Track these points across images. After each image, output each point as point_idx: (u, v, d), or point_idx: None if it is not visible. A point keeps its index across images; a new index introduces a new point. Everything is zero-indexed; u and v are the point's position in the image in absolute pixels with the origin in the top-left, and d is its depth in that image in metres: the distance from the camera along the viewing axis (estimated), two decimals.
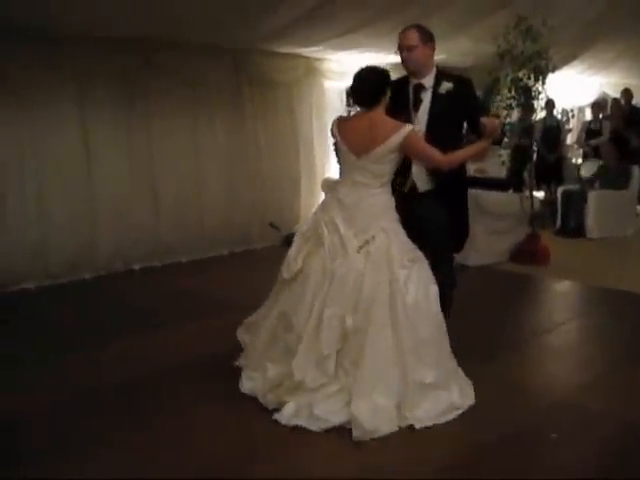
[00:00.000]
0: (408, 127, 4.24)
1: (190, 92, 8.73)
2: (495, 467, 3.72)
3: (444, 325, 4.37)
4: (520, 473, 3.66)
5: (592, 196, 10.51)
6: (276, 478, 3.61)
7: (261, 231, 9.67)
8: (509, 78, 8.66)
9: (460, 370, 4.50)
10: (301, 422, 4.01)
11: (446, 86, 4.70)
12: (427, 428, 4.06)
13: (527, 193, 9.30)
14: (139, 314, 6.49)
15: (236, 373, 4.69)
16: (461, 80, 4.88)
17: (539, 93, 8.63)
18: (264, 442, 3.98)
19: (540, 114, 10.35)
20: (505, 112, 8.95)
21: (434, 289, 4.30)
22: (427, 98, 4.79)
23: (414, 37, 4.71)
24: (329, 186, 4.59)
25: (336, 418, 4.00)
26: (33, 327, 6.17)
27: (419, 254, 4.34)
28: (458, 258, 5.30)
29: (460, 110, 4.75)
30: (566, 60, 11.04)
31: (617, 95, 13.66)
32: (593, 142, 11.56)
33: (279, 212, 9.90)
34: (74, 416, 4.32)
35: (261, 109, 9.56)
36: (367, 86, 4.34)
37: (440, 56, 10.38)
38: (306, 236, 4.39)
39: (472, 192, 8.57)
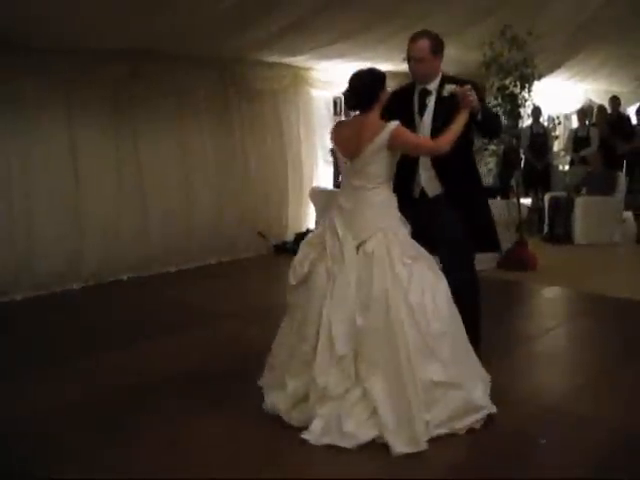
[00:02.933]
0: (393, 124, 4.20)
1: (177, 103, 8.73)
2: (483, 472, 3.73)
3: (459, 321, 4.28)
4: (507, 477, 3.66)
5: (579, 202, 10.57)
6: None
7: (249, 241, 9.66)
8: (495, 86, 8.72)
9: (482, 368, 4.44)
10: (331, 440, 3.94)
11: (449, 88, 4.63)
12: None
13: (514, 200, 9.33)
14: (128, 325, 6.46)
15: (240, 385, 4.72)
16: (466, 82, 4.73)
17: (525, 101, 8.68)
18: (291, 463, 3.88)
19: (527, 121, 10.42)
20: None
21: (442, 284, 4.23)
22: (431, 102, 4.80)
23: (425, 49, 4.71)
24: (332, 196, 4.60)
25: (365, 434, 3.93)
26: (18, 339, 6.14)
27: (422, 251, 4.29)
28: None
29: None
30: (552, 68, 11.10)
31: (602, 102, 13.74)
32: (583, 153, 11.56)
33: (267, 221, 9.91)
34: (65, 429, 4.29)
35: (248, 118, 9.57)
36: (360, 90, 4.30)
37: None
38: (312, 243, 4.37)
39: None
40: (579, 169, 11.52)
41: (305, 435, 3.99)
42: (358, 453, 3.86)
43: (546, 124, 12.53)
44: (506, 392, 4.74)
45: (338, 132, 4.47)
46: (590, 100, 14.85)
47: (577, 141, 11.87)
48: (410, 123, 4.64)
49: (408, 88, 4.97)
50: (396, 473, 3.71)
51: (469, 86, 4.50)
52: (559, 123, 13.21)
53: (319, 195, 10.02)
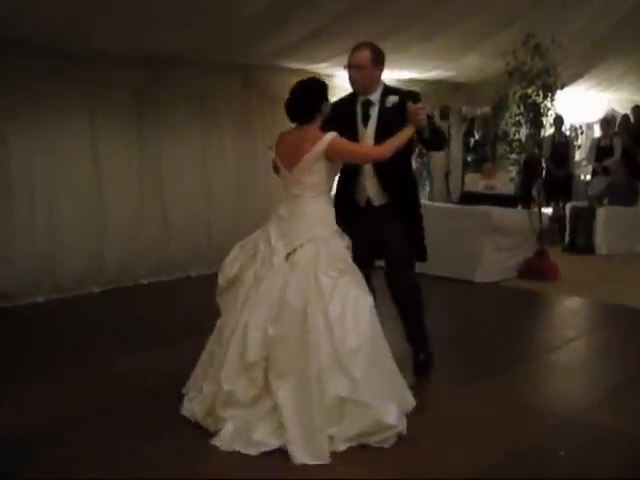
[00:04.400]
0: (330, 134, 4.20)
1: (199, 108, 8.76)
2: None
3: (381, 339, 4.20)
4: None
5: (601, 212, 10.51)
6: None
7: None
8: (518, 95, 8.70)
9: (406, 389, 4.37)
10: (240, 447, 3.90)
11: (392, 100, 4.69)
12: (413, 444, 4.01)
13: (536, 209, 9.29)
14: (147, 328, 6.48)
15: None
16: (408, 93, 4.88)
17: (548, 109, 8.65)
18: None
19: (549, 130, 10.39)
20: (514, 129, 8.97)
21: (367, 300, 4.15)
22: (374, 113, 4.79)
23: (365, 58, 4.71)
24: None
25: (272, 443, 3.90)
26: (38, 340, 6.17)
27: (351, 266, 4.26)
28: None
29: (406, 122, 4.55)
30: (574, 77, 11.06)
31: (625, 111, 13.67)
32: (605, 162, 11.48)
33: None
34: (81, 430, 4.31)
35: (269, 124, 9.56)
36: (302, 101, 4.30)
37: (450, 72, 10.55)
38: (245, 247, 4.34)
39: (481, 208, 8.66)
40: (601, 179, 11.45)
41: (215, 441, 3.97)
42: (268, 459, 3.85)
43: (568, 133, 12.47)
44: (525, 402, 4.73)
45: (279, 143, 4.43)
46: (613, 109, 14.76)
47: (600, 151, 11.80)
48: (353, 133, 4.69)
49: (349, 99, 4.96)
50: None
51: (421, 104, 4.53)
52: (581, 132, 13.14)
53: None
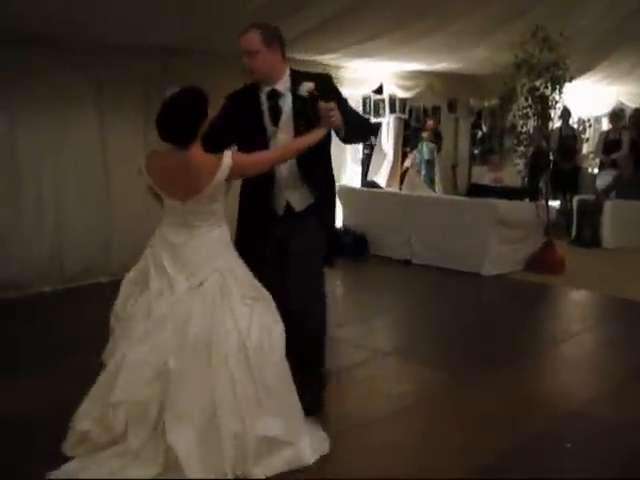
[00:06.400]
0: (227, 155, 3.61)
1: (210, 99, 8.76)
2: (509, 475, 3.71)
3: (289, 372, 3.76)
4: None
5: (608, 206, 10.49)
6: None
7: None
8: (526, 87, 8.68)
9: (310, 422, 3.95)
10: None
11: (307, 86, 3.93)
12: (417, 434, 4.04)
13: (543, 202, 9.28)
14: None
15: None
16: (321, 77, 4.21)
17: (556, 102, 8.63)
18: None
19: (556, 123, 10.36)
20: (521, 121, 8.95)
21: (278, 330, 3.73)
22: (287, 105, 4.06)
23: (254, 40, 3.99)
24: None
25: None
26: (46, 330, 6.19)
27: (264, 293, 3.78)
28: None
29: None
30: (583, 70, 11.02)
31: (634, 105, 13.62)
32: (614, 156, 11.44)
33: None
34: None
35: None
36: (182, 120, 3.62)
37: (458, 64, 10.53)
38: (135, 281, 3.84)
39: (488, 201, 8.66)
40: (608, 172, 11.43)
41: (52, 475, 3.50)
42: None
43: (576, 126, 12.44)
44: (531, 395, 4.74)
45: (154, 167, 3.77)
46: (621, 103, 14.71)
47: (608, 144, 11.76)
48: (260, 137, 4.05)
49: (249, 91, 4.18)
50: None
51: (333, 104, 3.87)
52: (589, 125, 13.11)
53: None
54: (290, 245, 4.13)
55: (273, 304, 3.78)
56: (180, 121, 3.61)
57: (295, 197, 4.15)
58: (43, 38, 6.76)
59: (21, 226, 7.24)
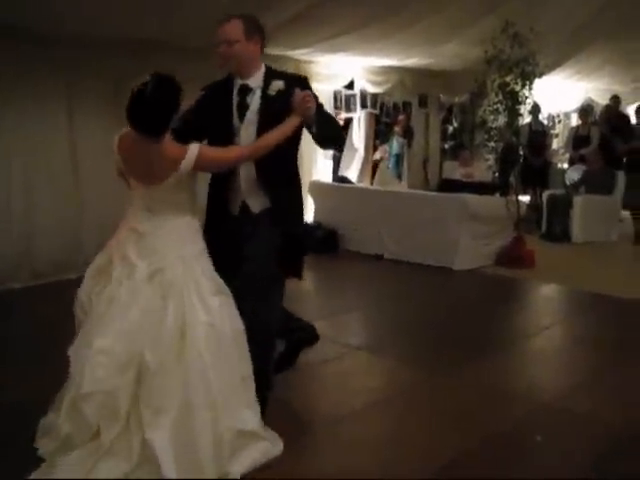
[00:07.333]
0: (194, 146, 3.57)
1: None
2: (478, 469, 3.73)
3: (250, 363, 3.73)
4: (504, 474, 3.67)
5: (577, 201, 10.58)
6: None
7: None
8: (496, 83, 8.73)
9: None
10: None
11: (277, 85, 3.92)
12: (393, 429, 4.05)
13: (513, 197, 9.34)
14: None
15: None
16: (295, 78, 4.13)
17: (526, 98, 8.69)
18: None
19: (526, 119, 10.43)
20: (492, 117, 9.00)
21: (242, 323, 3.69)
22: (255, 101, 3.98)
23: (236, 30, 3.90)
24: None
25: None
26: (16, 327, 6.14)
27: (223, 285, 3.71)
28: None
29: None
30: (553, 66, 11.10)
31: (603, 101, 13.77)
32: (583, 151, 11.55)
33: None
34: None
35: None
36: (157, 111, 3.52)
37: (429, 60, 10.57)
38: (99, 270, 3.76)
39: (459, 196, 8.70)
40: (578, 168, 11.53)
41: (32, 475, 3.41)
42: None
43: (545, 122, 12.53)
44: (502, 389, 4.77)
45: (124, 148, 3.75)
46: (591, 99, 14.86)
47: (578, 140, 11.87)
48: (227, 132, 3.98)
49: (224, 84, 4.13)
50: (385, 474, 3.72)
51: (309, 92, 3.83)
52: (559, 121, 13.22)
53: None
54: (244, 248, 4.00)
55: (232, 298, 3.72)
56: (151, 113, 3.52)
57: (252, 198, 4.05)
58: (11, 30, 6.66)
59: None
